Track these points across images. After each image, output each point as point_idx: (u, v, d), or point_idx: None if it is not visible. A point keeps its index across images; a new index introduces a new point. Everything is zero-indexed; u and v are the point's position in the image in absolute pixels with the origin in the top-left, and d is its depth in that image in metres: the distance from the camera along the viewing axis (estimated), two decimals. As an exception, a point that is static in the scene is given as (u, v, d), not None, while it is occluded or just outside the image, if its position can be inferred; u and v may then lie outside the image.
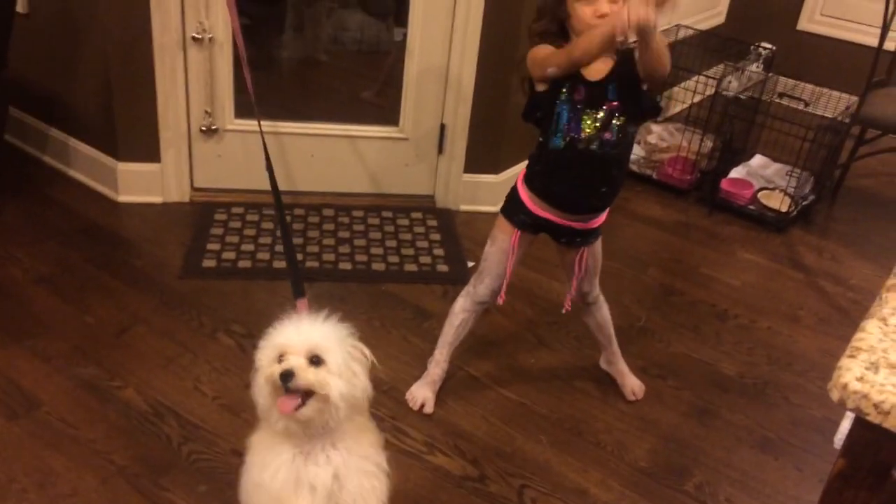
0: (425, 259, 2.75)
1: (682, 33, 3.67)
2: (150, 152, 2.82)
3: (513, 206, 1.97)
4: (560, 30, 1.80)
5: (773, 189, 3.33)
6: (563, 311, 2.14)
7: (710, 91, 3.47)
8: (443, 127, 2.94)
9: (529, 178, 1.93)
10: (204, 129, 2.85)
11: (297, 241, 2.76)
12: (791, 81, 3.61)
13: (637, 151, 3.51)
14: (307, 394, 1.31)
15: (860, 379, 0.90)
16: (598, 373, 2.33)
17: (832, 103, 3.30)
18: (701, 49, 3.64)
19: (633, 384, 2.27)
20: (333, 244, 2.77)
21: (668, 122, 3.78)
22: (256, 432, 1.49)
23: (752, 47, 3.65)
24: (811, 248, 3.14)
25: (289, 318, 1.37)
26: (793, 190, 3.23)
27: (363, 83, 3.57)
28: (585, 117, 1.79)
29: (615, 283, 2.72)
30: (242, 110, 2.84)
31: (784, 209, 3.21)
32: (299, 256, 2.67)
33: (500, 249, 2.01)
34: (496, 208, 3.03)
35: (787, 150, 3.29)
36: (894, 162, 3.76)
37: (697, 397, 2.30)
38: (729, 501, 1.98)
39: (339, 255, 2.72)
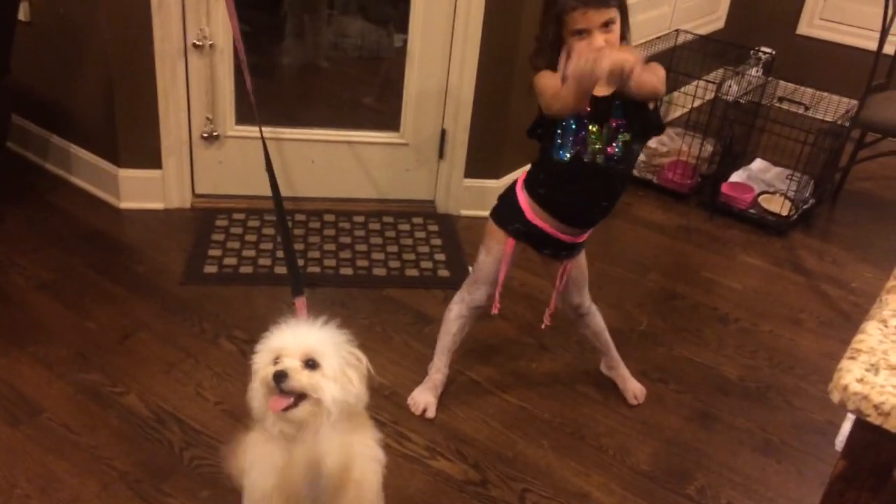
0: (426, 264, 2.75)
1: (681, 38, 3.68)
2: (152, 159, 2.83)
3: (508, 214, 1.96)
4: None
5: (773, 193, 3.34)
6: (543, 326, 2.14)
7: (709, 95, 3.48)
8: (443, 132, 2.95)
9: (530, 185, 1.92)
10: (205, 135, 2.86)
11: (299, 246, 2.76)
12: (791, 86, 3.63)
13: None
14: (300, 396, 1.32)
15: (860, 380, 0.90)
16: (599, 377, 2.33)
17: (832, 107, 3.30)
18: (701, 54, 3.65)
19: (634, 388, 2.27)
20: (334, 249, 2.78)
21: (669, 126, 3.79)
22: (251, 432, 1.49)
23: (751, 52, 3.66)
24: (812, 252, 3.14)
25: (287, 322, 1.37)
26: (793, 193, 3.23)
27: (364, 89, 3.59)
28: (591, 132, 1.79)
29: (616, 288, 2.73)
30: (243, 117, 2.85)
31: (785, 213, 3.21)
32: (300, 261, 2.68)
33: (495, 258, 2.01)
34: (497, 213, 3.07)
35: (787, 153, 3.29)
36: (894, 165, 3.77)
37: (699, 401, 2.30)
38: (731, 505, 1.98)
39: (341, 260, 2.73)
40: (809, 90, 3.75)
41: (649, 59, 1.78)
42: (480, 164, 2.99)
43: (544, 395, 2.26)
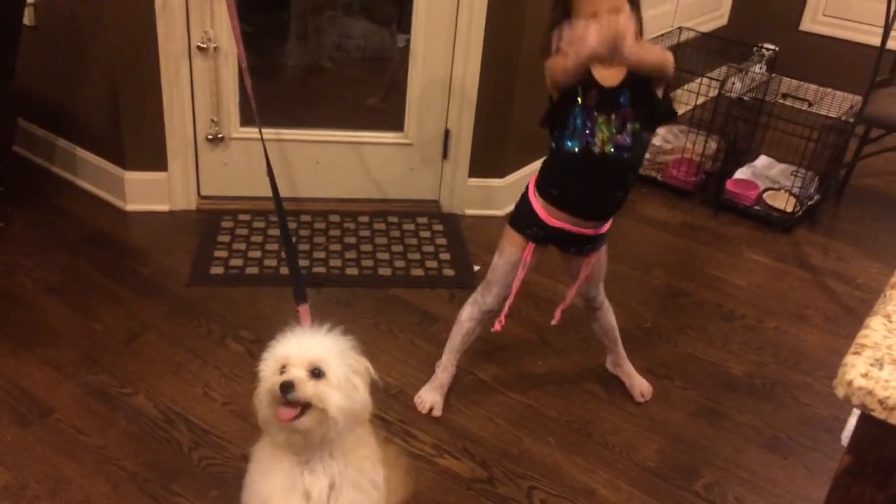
0: (431, 263, 2.76)
1: (684, 35, 3.68)
2: (157, 161, 2.84)
3: (524, 219, 1.96)
4: None
5: (778, 189, 3.33)
6: (553, 322, 2.13)
7: (713, 93, 3.48)
8: (447, 132, 2.95)
9: (542, 187, 1.93)
10: (210, 137, 2.87)
11: (304, 247, 2.77)
12: (794, 82, 3.62)
13: (641, 154, 3.51)
14: (306, 405, 1.33)
15: (865, 375, 0.90)
16: (605, 374, 2.33)
17: (836, 103, 3.30)
18: (704, 51, 3.65)
19: (640, 385, 2.27)
20: (340, 250, 2.79)
21: (673, 124, 3.79)
22: (259, 441, 1.50)
23: (754, 48, 3.65)
24: (817, 248, 3.14)
25: (292, 330, 1.38)
26: (798, 190, 3.23)
27: (367, 90, 3.60)
28: (600, 122, 1.80)
29: (621, 286, 2.73)
30: (248, 118, 2.86)
31: (789, 209, 3.21)
32: (306, 262, 2.69)
33: (508, 262, 2.01)
34: (502, 212, 3.08)
35: (791, 150, 3.29)
36: (899, 161, 3.77)
37: (705, 398, 2.30)
38: (738, 501, 1.98)
39: (346, 260, 2.73)
40: (813, 86, 3.74)
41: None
42: (484, 163, 3.00)
43: (550, 392, 2.27)
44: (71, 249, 2.67)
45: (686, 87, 3.76)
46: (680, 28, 3.71)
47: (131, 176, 2.86)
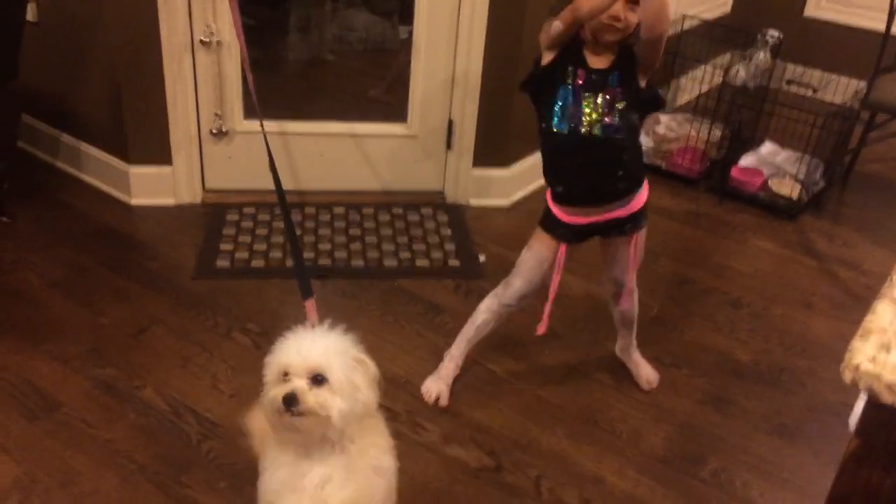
0: (437, 254, 2.76)
1: (687, 23, 3.66)
2: (161, 155, 2.84)
3: (550, 222, 1.98)
4: None
5: (783, 176, 3.32)
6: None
7: (717, 80, 3.47)
8: (451, 123, 2.95)
9: (551, 189, 1.95)
10: (214, 131, 2.87)
11: (309, 239, 2.78)
12: (799, 68, 3.61)
13: (646, 142, 3.51)
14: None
15: (872, 360, 0.90)
16: (612, 363, 2.33)
17: (840, 89, 3.29)
18: (707, 39, 3.63)
19: (647, 373, 2.27)
20: (345, 241, 2.79)
21: (677, 112, 3.78)
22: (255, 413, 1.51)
23: (758, 35, 3.64)
24: (823, 235, 3.13)
25: (293, 331, 1.37)
26: (803, 177, 3.22)
27: (370, 82, 3.59)
28: (586, 102, 1.80)
29: (627, 274, 2.73)
30: (251, 112, 2.86)
31: (795, 196, 3.20)
32: (311, 254, 2.69)
33: (534, 256, 2.01)
34: (507, 202, 3.08)
35: (796, 137, 3.28)
36: (905, 146, 3.75)
37: (712, 385, 2.30)
38: (745, 487, 1.98)
39: (351, 252, 2.74)
40: (818, 72, 3.74)
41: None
42: (488, 153, 3.00)
43: (557, 382, 2.27)
44: (76, 244, 2.68)
45: (690, 74, 3.75)
46: (683, 16, 3.69)
47: (136, 170, 2.87)
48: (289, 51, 3.95)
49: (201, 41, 2.70)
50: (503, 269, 2.18)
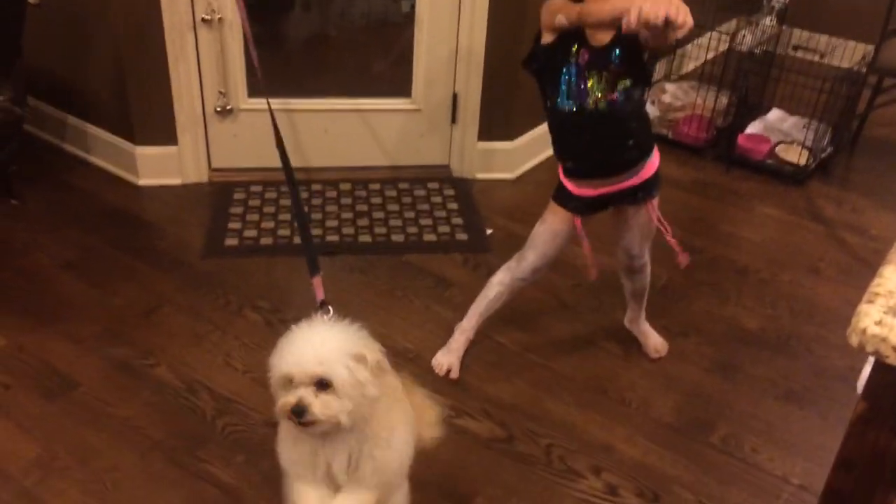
0: (444, 228, 2.77)
1: (692, -11, 3.62)
2: (167, 135, 2.85)
3: (563, 196, 1.99)
4: None
5: (790, 143, 3.31)
6: (682, 265, 2.10)
7: (723, 47, 3.44)
8: (455, 96, 2.94)
9: (561, 164, 1.96)
10: (218, 109, 2.87)
11: (316, 216, 2.79)
12: (805, 33, 3.58)
13: (652, 111, 3.49)
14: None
15: (878, 323, 0.91)
16: (621, 333, 2.35)
17: (848, 53, 3.26)
18: (713, 5, 3.59)
19: (655, 342, 2.29)
20: (352, 217, 2.80)
21: (683, 80, 3.76)
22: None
23: (764, 0, 3.60)
24: (830, 200, 3.12)
25: (293, 333, 1.37)
26: (810, 142, 3.21)
27: (374, 56, 3.57)
28: (591, 79, 1.80)
29: (634, 244, 2.73)
30: (255, 89, 2.86)
31: (802, 162, 3.19)
32: (318, 231, 2.71)
33: (548, 230, 2.02)
34: (512, 175, 3.08)
35: (803, 102, 3.26)
36: (913, 110, 3.72)
37: (720, 353, 2.32)
38: (754, 452, 2.00)
39: (359, 228, 2.75)
40: (824, 37, 3.70)
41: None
42: (494, 126, 2.99)
43: (566, 352, 2.29)
44: (86, 226, 2.69)
45: (696, 41, 3.72)
46: (688, -18, 3.65)
47: (142, 151, 2.87)
48: (291, 27, 3.92)
49: (203, 19, 2.69)
50: (510, 241, 2.19)
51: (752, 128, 3.41)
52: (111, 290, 2.42)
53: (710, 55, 3.57)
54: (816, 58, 3.35)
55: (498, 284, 2.14)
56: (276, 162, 1.88)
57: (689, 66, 3.92)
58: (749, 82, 3.34)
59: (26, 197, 2.80)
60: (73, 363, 2.15)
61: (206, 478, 1.85)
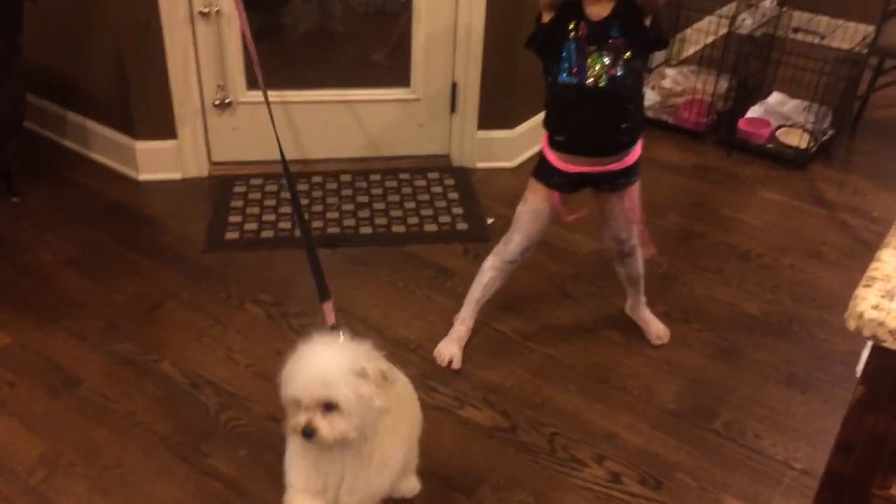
0: (445, 218, 2.77)
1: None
2: (167, 129, 2.85)
3: (544, 171, 1.99)
4: None
5: (791, 126, 3.30)
6: (649, 255, 2.16)
7: (723, 30, 3.42)
8: (454, 85, 2.94)
9: (551, 138, 1.95)
10: (217, 103, 2.87)
11: (317, 208, 2.79)
12: (806, 15, 3.55)
13: (652, 97, 3.48)
14: None
15: (876, 307, 0.91)
16: (622, 321, 2.35)
17: (848, 35, 3.24)
18: (711, -12, 3.58)
19: (657, 329, 2.29)
20: (353, 209, 2.80)
21: (682, 65, 3.74)
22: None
23: (763, -17, 3.58)
24: (832, 183, 3.11)
25: (297, 355, 1.38)
26: (812, 125, 3.19)
27: (372, 46, 3.56)
28: (591, 55, 1.80)
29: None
30: (254, 82, 2.85)
31: (803, 145, 3.18)
32: (319, 223, 2.71)
33: (530, 209, 2.03)
34: (512, 164, 3.08)
35: (804, 85, 3.24)
36: (915, 90, 3.70)
37: (722, 338, 2.31)
38: (757, 437, 2.01)
39: (360, 219, 2.75)
40: (825, 19, 3.67)
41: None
42: (493, 115, 2.98)
43: (568, 341, 2.29)
44: (88, 222, 2.70)
45: (695, 26, 3.70)
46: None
47: (142, 146, 2.87)
48: (289, 18, 3.91)
49: (201, 12, 2.68)
50: (511, 230, 2.18)
51: (753, 112, 3.40)
52: (114, 286, 2.42)
53: (710, 39, 3.55)
54: (817, 40, 3.33)
55: (490, 269, 2.14)
56: (277, 155, 1.88)
57: (689, 50, 3.91)
58: (749, 66, 3.32)
59: (27, 194, 2.81)
60: (76, 360, 2.16)
61: (211, 472, 1.86)
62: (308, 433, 1.35)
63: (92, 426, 1.97)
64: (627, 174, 1.98)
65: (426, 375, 2.14)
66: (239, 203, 2.80)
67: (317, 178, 2.95)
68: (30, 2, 2.51)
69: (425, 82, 2.94)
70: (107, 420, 1.99)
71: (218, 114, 2.90)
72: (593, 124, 1.88)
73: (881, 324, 0.90)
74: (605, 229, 2.12)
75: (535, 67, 1.93)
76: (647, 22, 1.80)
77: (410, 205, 2.83)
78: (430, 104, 2.99)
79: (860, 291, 0.94)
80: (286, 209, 2.78)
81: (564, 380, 2.16)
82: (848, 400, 2.05)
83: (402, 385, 1.60)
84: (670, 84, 3.54)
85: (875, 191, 3.07)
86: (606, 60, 1.80)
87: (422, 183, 2.96)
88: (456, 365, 2.17)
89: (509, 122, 3.02)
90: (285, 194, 2.85)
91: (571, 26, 1.80)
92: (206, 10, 2.68)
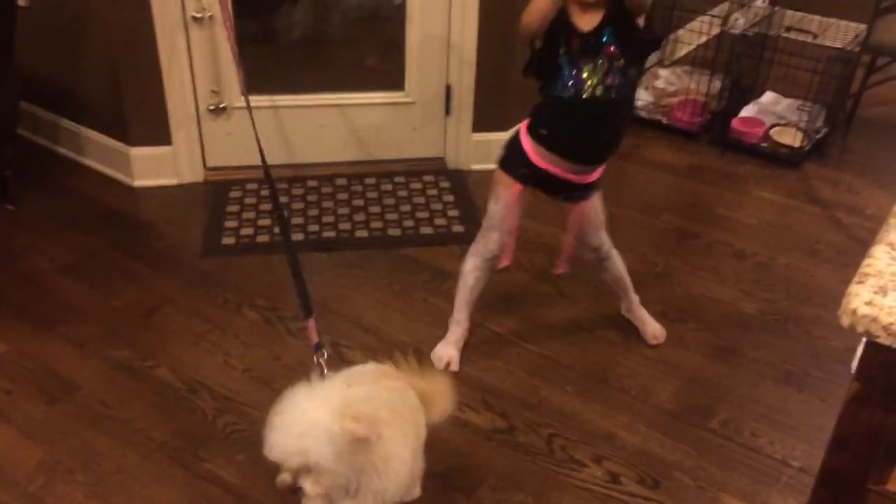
0: (440, 221, 2.77)
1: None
2: (161, 135, 2.85)
3: (513, 159, 1.97)
4: None
5: (785, 125, 3.31)
6: (557, 272, 2.17)
7: (715, 30, 3.43)
8: (448, 88, 2.94)
9: (533, 128, 1.93)
10: (212, 108, 2.87)
11: (312, 212, 2.79)
12: (798, 14, 3.57)
13: (646, 97, 3.49)
14: None
15: (869, 303, 0.92)
16: (619, 320, 2.35)
17: (840, 33, 3.25)
18: (704, -12, 3.59)
19: (653, 329, 2.29)
20: (348, 213, 2.80)
21: (676, 65, 3.75)
22: None
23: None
24: (826, 182, 3.12)
25: (276, 414, 1.35)
26: (805, 124, 3.20)
27: (366, 50, 3.57)
28: (585, 67, 1.79)
29: (630, 231, 2.73)
30: (249, 87, 2.84)
31: (797, 144, 3.19)
32: (315, 227, 2.71)
33: (504, 206, 2.03)
34: (507, 165, 3.07)
35: (797, 84, 3.26)
36: (907, 88, 3.71)
37: (719, 337, 2.32)
38: (754, 435, 2.01)
39: (355, 223, 2.75)
40: (817, 17, 3.69)
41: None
42: (488, 117, 2.99)
43: (565, 341, 2.29)
44: (83, 228, 2.70)
45: (688, 26, 3.71)
46: (678, -34, 3.64)
47: (137, 152, 2.87)
48: (282, 22, 3.92)
49: (193, 17, 2.69)
50: (506, 232, 2.18)
51: (746, 111, 3.41)
52: (111, 292, 2.42)
53: (703, 39, 3.56)
54: (809, 38, 3.34)
55: (473, 270, 2.15)
56: (272, 159, 1.88)
57: (682, 50, 3.92)
58: (742, 65, 3.33)
59: (22, 201, 2.80)
60: (74, 366, 2.15)
61: (209, 478, 1.86)
62: (294, 491, 1.34)
63: (90, 432, 1.97)
64: (583, 190, 2.00)
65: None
66: (235, 208, 2.80)
67: (312, 183, 2.95)
68: (23, 8, 2.51)
69: (419, 85, 2.94)
70: (105, 426, 1.98)
71: (212, 119, 2.90)
72: (584, 133, 1.88)
73: (874, 320, 0.90)
74: (572, 239, 2.13)
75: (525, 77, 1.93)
76: (641, 22, 1.80)
77: (406, 208, 2.84)
78: (424, 107, 2.99)
79: (853, 288, 0.95)
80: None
81: (562, 380, 2.16)
82: (844, 397, 2.06)
83: (409, 393, 1.60)
84: (664, 84, 3.55)
85: (869, 188, 3.08)
86: (601, 70, 1.79)
87: (417, 186, 2.96)
88: (454, 367, 2.18)
89: (504, 124, 3.02)
90: (281, 199, 2.84)
91: (562, 42, 1.79)
92: (199, 14, 2.68)
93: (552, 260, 2.58)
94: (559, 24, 1.78)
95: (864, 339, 0.97)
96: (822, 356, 2.26)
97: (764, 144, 3.26)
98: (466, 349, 2.22)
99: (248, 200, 2.84)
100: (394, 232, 2.72)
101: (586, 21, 1.78)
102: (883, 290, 0.93)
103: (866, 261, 0.99)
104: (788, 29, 3.41)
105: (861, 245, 2.74)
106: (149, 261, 2.56)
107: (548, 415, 2.06)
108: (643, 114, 3.44)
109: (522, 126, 1.97)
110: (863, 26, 3.23)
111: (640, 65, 1.90)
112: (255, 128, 1.95)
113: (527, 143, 1.94)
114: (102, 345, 2.23)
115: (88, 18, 2.69)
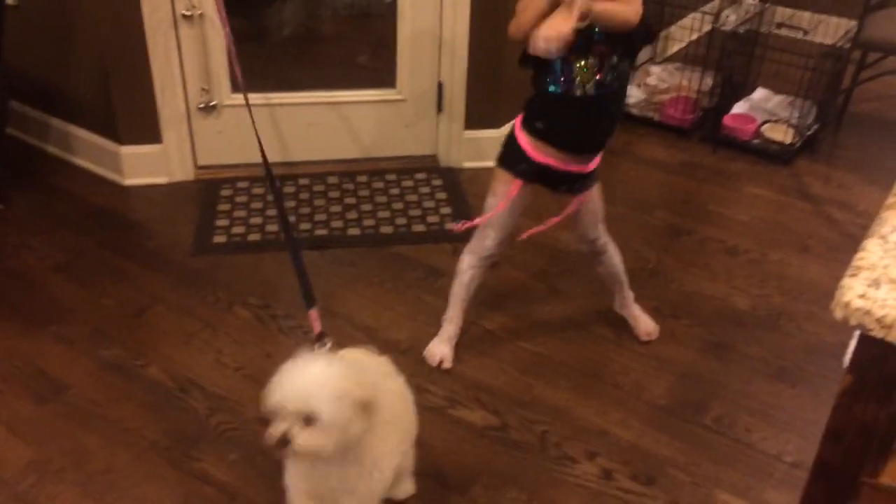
0: (433, 218, 2.77)
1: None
2: (152, 134, 2.83)
3: (512, 156, 1.97)
4: None
5: (776, 121, 3.31)
6: (520, 237, 2.12)
7: (707, 27, 3.44)
8: (440, 85, 2.93)
9: (527, 122, 1.93)
10: (202, 106, 2.86)
11: (304, 210, 2.78)
12: (789, 11, 3.57)
13: (637, 94, 3.49)
14: None
15: (862, 296, 0.92)
16: (612, 317, 2.35)
17: (831, 29, 3.26)
18: (695, -15, 3.59)
19: (646, 325, 2.29)
20: (340, 211, 2.79)
21: (667, 62, 3.76)
22: None
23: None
24: (818, 178, 3.13)
25: (286, 367, 1.38)
26: (796, 120, 3.21)
27: (357, 48, 3.56)
28: (576, 65, 1.79)
29: (623, 228, 2.72)
30: (239, 85, 2.83)
31: (789, 140, 3.20)
32: (308, 226, 2.70)
33: (503, 204, 2.02)
34: (499, 162, 3.07)
35: (788, 80, 3.26)
36: (898, 84, 3.73)
37: (711, 333, 2.32)
38: (748, 431, 2.01)
39: (347, 220, 2.74)
40: (807, 14, 3.70)
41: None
42: (480, 114, 2.98)
43: (558, 338, 2.29)
44: (74, 227, 2.68)
45: (679, 23, 3.71)
46: (669, -37, 3.64)
47: (127, 150, 2.86)
48: (274, 20, 3.91)
49: (183, 15, 2.67)
50: (499, 229, 2.17)
51: (738, 108, 3.41)
52: (101, 291, 2.41)
53: (694, 36, 3.57)
54: (800, 35, 3.35)
55: (469, 268, 2.14)
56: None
57: (674, 47, 3.92)
58: (733, 62, 3.34)
59: (12, 200, 2.78)
60: (64, 365, 2.14)
61: (202, 476, 1.85)
62: (283, 443, 1.34)
63: (80, 432, 1.95)
64: (584, 179, 1.99)
65: (416, 376, 2.13)
66: (226, 206, 2.79)
67: (303, 181, 2.94)
68: (11, 7, 2.50)
69: (411, 83, 2.93)
70: (95, 425, 1.97)
71: (203, 117, 2.89)
72: (578, 126, 1.88)
73: (867, 312, 0.90)
74: (575, 232, 2.13)
75: (521, 67, 1.93)
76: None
77: (398, 205, 2.83)
78: (416, 105, 2.99)
79: (846, 281, 0.94)
80: (273, 212, 2.76)
81: (555, 377, 2.16)
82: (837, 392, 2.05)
83: (397, 392, 1.60)
84: (655, 81, 3.55)
85: (860, 184, 3.08)
86: (592, 67, 1.79)
87: (409, 183, 2.95)
88: (447, 365, 2.17)
89: (496, 121, 3.02)
90: (272, 197, 2.83)
91: None
92: (189, 12, 2.67)
93: (545, 257, 2.59)
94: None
95: (856, 333, 0.97)
96: (814, 351, 2.26)
97: (755, 141, 3.26)
98: (459, 346, 2.22)
99: (238, 199, 2.83)
100: (386, 230, 2.71)
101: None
102: (876, 283, 0.93)
103: (859, 254, 0.99)
104: (779, 25, 3.41)
105: (852, 240, 2.74)
106: (139, 259, 2.54)
107: (541, 412, 2.05)
108: (635, 111, 3.44)
109: (517, 121, 1.97)
110: (853, 22, 3.24)
111: (632, 60, 1.90)
112: (254, 124, 1.94)
113: (523, 139, 1.94)
114: (93, 344, 2.21)
115: (78, 16, 2.67)
